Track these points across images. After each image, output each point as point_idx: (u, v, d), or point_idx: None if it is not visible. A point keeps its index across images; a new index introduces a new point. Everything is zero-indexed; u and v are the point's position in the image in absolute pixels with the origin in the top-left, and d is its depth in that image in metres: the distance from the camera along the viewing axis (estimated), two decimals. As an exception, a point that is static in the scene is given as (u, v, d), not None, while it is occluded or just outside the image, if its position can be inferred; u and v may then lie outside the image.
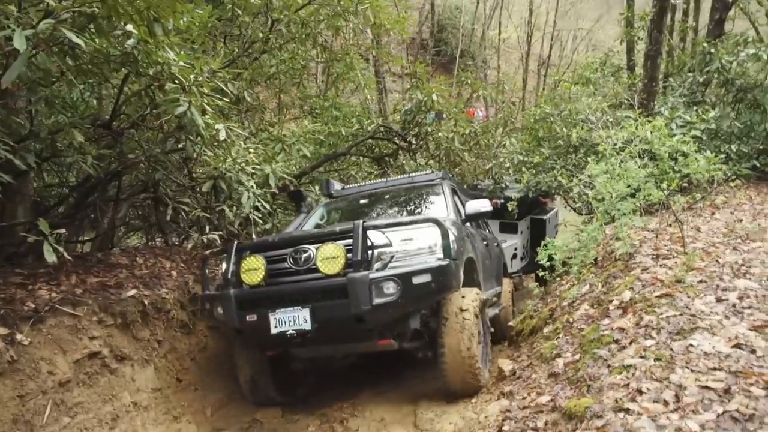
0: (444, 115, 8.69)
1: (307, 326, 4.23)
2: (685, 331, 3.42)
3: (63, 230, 3.84)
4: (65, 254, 3.80)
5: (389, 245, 4.50)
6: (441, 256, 4.44)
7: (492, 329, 5.59)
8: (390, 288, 4.18)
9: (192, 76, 4.47)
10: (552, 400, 3.17)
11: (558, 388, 3.34)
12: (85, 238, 6.39)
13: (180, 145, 5.23)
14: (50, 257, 3.55)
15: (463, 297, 4.65)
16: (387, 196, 6.44)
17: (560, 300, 5.06)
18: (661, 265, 4.63)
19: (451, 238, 4.59)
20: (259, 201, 5.34)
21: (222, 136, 4.56)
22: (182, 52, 5.78)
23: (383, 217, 5.96)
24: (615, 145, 5.08)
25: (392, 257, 4.45)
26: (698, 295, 3.93)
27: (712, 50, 8.95)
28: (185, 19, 5.11)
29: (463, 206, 6.16)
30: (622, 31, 12.80)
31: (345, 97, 13.97)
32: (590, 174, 4.96)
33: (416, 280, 4.22)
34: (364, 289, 4.13)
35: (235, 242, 4.78)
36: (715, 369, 2.94)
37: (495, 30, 23.27)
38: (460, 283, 4.73)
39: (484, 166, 9.43)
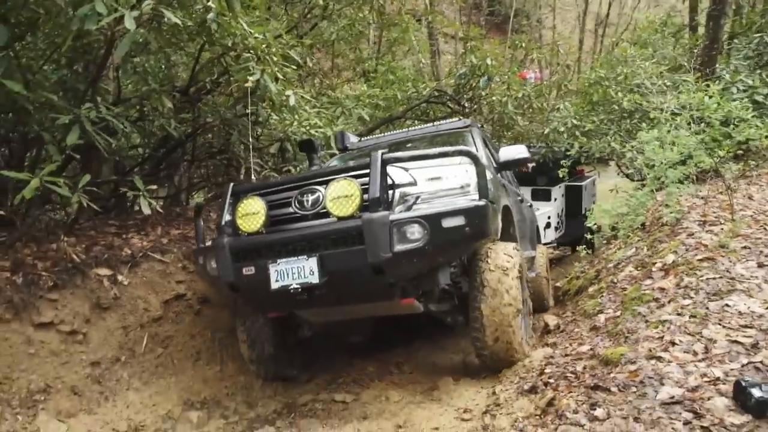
0: (496, 79, 8.77)
1: (315, 279, 3.51)
2: (723, 292, 3.64)
3: (155, 186, 4.32)
4: (158, 207, 4.30)
5: (414, 184, 3.85)
6: (476, 196, 3.74)
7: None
8: (415, 232, 3.46)
9: (264, 46, 4.84)
10: (591, 349, 3.49)
11: (598, 340, 3.64)
12: (162, 195, 6.98)
13: (249, 110, 5.66)
14: (146, 209, 4.04)
15: (503, 252, 3.98)
16: (409, 146, 5.58)
17: (606, 262, 5.30)
18: (707, 231, 4.79)
19: (489, 176, 3.94)
20: (323, 162, 5.69)
21: (292, 101, 4.93)
22: (247, 20, 6.18)
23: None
24: (667, 111, 5.17)
25: (418, 198, 3.78)
26: (740, 260, 4.11)
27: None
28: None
29: (495, 156, 5.36)
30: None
31: (398, 60, 14.13)
32: (641, 140, 5.09)
33: (447, 222, 3.50)
34: (383, 233, 3.41)
35: (231, 184, 4.10)
36: (746, 326, 3.18)
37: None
38: (498, 231, 4.06)
39: (538, 131, 9.49)
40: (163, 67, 5.81)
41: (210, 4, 4.34)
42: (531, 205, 7.24)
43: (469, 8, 21.27)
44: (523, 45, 10.48)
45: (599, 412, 2.61)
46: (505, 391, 3.30)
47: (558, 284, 6.11)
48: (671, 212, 4.89)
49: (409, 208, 3.69)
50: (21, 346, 3.51)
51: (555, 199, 9.65)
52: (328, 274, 3.53)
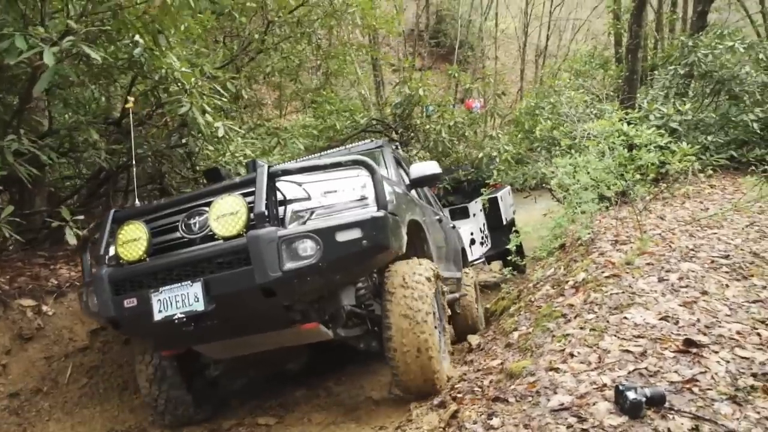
0: (431, 108, 9.13)
1: (200, 306, 3.21)
2: (623, 306, 3.93)
3: (82, 216, 4.35)
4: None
5: (308, 199, 3.57)
6: (374, 208, 3.48)
7: (451, 324, 4.94)
8: (307, 248, 3.21)
9: (193, 80, 4.97)
10: (501, 363, 3.69)
11: (509, 355, 3.86)
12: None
13: (183, 141, 5.75)
14: (72, 240, 4.07)
15: (410, 266, 3.79)
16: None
17: (528, 282, 5.57)
18: (617, 250, 5.13)
19: (388, 188, 3.68)
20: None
21: (221, 133, 5.06)
22: (183, 53, 6.30)
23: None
24: (581, 138, 5.54)
25: (312, 213, 3.50)
26: (642, 275, 4.42)
27: (690, 43, 9.35)
28: (186, 24, 5.61)
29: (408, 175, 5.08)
30: (610, 24, 13.19)
31: (345, 90, 14.46)
32: (557, 166, 5.43)
33: (342, 236, 3.25)
34: (271, 251, 3.15)
35: (113, 210, 3.81)
36: (639, 336, 3.45)
37: (493, 21, 23.58)
38: (402, 246, 3.73)
39: (474, 156, 9.87)
40: (95, 99, 5.86)
41: (137, 38, 4.47)
42: (454, 227, 7.26)
43: (414, 39, 21.98)
44: (456, 75, 10.94)
45: (495, 422, 2.80)
46: (419, 408, 3.45)
47: (488, 306, 6.34)
48: (583, 233, 5.22)
49: (303, 225, 3.42)
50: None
51: (474, 215, 9.73)
52: (216, 301, 3.24)
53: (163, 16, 4.05)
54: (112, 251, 3.61)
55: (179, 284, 3.27)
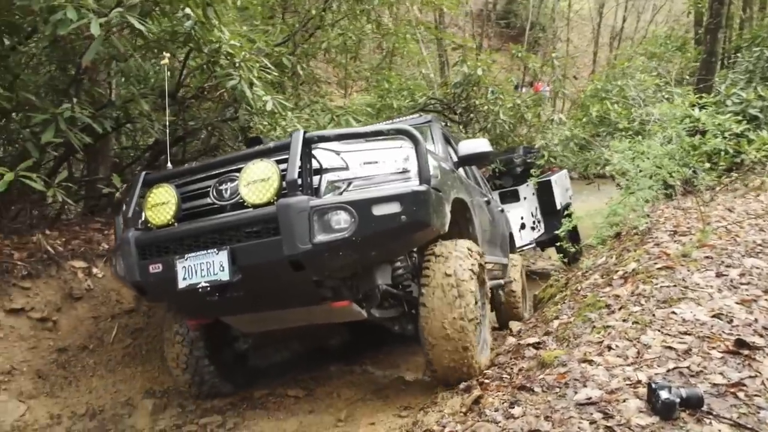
0: (492, 90, 8.86)
1: (225, 276, 3.07)
2: (673, 300, 3.68)
3: (131, 184, 4.47)
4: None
5: (345, 169, 3.33)
6: (416, 181, 3.24)
7: (494, 311, 4.66)
8: (340, 220, 3.02)
9: (243, 53, 5.02)
10: (535, 351, 3.55)
11: (545, 343, 3.70)
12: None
13: (236, 115, 5.84)
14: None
15: (452, 247, 3.55)
16: None
17: (577, 270, 5.34)
18: (675, 241, 4.81)
19: (432, 162, 3.44)
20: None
21: (269, 107, 5.09)
22: (243, 29, 6.38)
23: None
24: (645, 122, 5.22)
25: (350, 184, 3.28)
26: (699, 269, 4.13)
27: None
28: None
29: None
30: (690, 2, 12.28)
31: (409, 70, 14.31)
32: (614, 150, 5.15)
33: (379, 210, 3.04)
34: (301, 221, 2.96)
35: (144, 172, 3.72)
36: (685, 333, 3.21)
37: (567, 1, 22.57)
38: (445, 225, 3.47)
39: (535, 141, 9.55)
40: (155, 72, 6.04)
41: (188, 11, 4.54)
42: (503, 211, 6.95)
43: (483, 20, 21.41)
44: (519, 55, 10.54)
45: (516, 411, 2.68)
46: (445, 391, 3.38)
47: (536, 293, 6.13)
48: (638, 221, 4.93)
49: (338, 196, 3.20)
50: (-10, 330, 3.72)
51: (525, 198, 9.35)
52: (242, 271, 3.09)
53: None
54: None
55: (205, 252, 3.13)
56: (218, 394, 4.05)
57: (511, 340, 4.16)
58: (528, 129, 10.16)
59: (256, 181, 3.12)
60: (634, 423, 2.40)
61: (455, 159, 4.76)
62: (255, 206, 3.12)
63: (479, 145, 4.50)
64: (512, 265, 6.13)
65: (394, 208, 3.06)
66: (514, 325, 4.81)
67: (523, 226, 9.09)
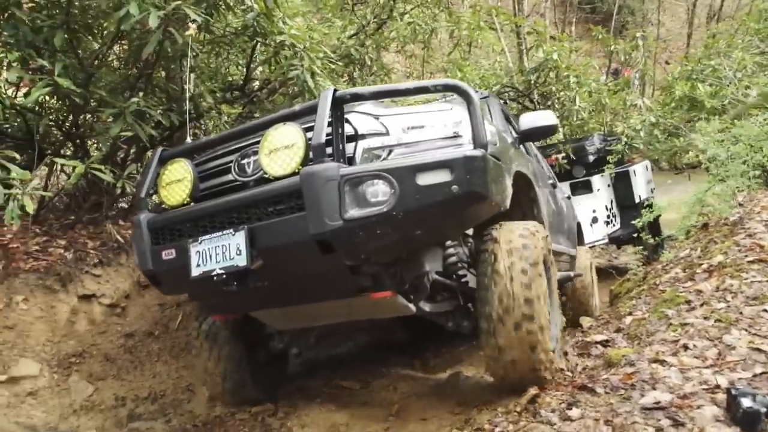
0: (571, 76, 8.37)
1: (242, 261, 2.60)
2: (765, 297, 3.28)
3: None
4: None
5: (385, 134, 2.84)
6: (470, 146, 2.69)
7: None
8: (377, 192, 2.49)
9: (305, 44, 5.02)
10: (603, 348, 3.29)
11: (615, 340, 3.42)
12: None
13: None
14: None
15: (518, 228, 2.99)
16: None
17: (656, 264, 4.94)
18: (772, 233, 4.32)
19: (490, 128, 2.94)
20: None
21: (331, 96, 5.06)
22: (314, 21, 6.41)
23: None
24: (737, 102, 4.73)
25: (390, 152, 2.80)
26: (800, 263, 3.67)
27: None
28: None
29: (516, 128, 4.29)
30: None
31: (488, 60, 13.94)
32: (700, 131, 4.70)
33: (424, 179, 2.50)
34: (329, 192, 2.45)
35: (161, 148, 3.32)
36: (777, 335, 2.84)
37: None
38: (506, 199, 2.91)
39: (616, 129, 9.00)
40: (227, 66, 6.20)
41: (250, 3, 4.59)
42: (569, 197, 6.31)
43: (565, 6, 20.51)
44: (600, 37, 9.89)
45: (574, 412, 2.46)
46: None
47: (612, 288, 5.73)
48: (729, 210, 4.46)
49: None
50: (64, 314, 3.96)
51: (598, 190, 8.43)
52: (263, 255, 2.61)
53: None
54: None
55: (220, 233, 2.67)
56: (247, 400, 3.59)
57: (578, 336, 3.88)
58: (612, 116, 9.57)
59: (279, 149, 2.64)
60: (709, 433, 2.13)
61: (513, 133, 4.24)
62: (278, 179, 2.65)
63: (543, 117, 3.93)
64: (580, 256, 5.65)
65: (443, 176, 2.50)
66: (585, 321, 4.52)
67: (595, 220, 8.28)
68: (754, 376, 2.49)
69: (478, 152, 2.59)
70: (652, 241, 5.80)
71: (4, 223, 3.46)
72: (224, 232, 2.66)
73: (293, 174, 2.59)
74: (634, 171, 8.58)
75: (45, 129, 4.70)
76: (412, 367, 4.37)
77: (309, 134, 2.63)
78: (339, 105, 2.69)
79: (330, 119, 2.62)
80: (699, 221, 4.93)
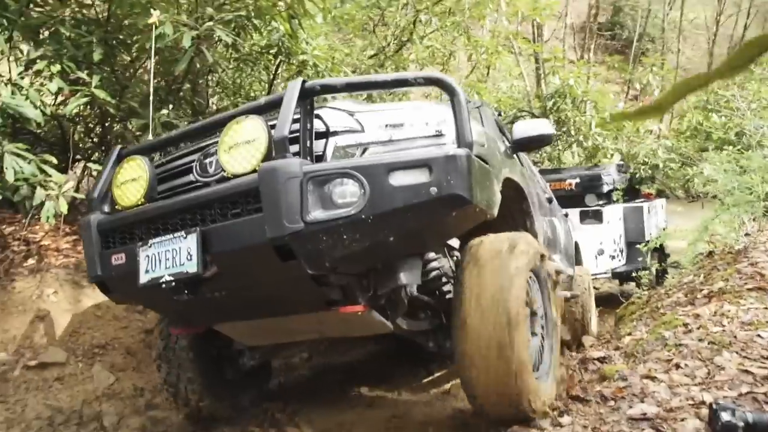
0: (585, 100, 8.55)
1: (192, 267, 2.31)
2: (760, 323, 3.39)
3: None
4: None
5: (360, 132, 2.54)
6: (454, 145, 2.34)
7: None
8: (345, 192, 2.20)
9: (329, 63, 5.28)
10: (599, 365, 3.41)
11: (612, 358, 3.54)
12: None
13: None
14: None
15: (503, 239, 2.62)
16: None
17: (660, 288, 5.05)
18: (775, 262, 4.41)
19: (477, 128, 2.62)
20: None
21: (349, 115, 5.30)
22: (335, 41, 6.67)
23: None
24: (740, 134, 4.87)
25: (365, 150, 2.49)
26: (797, 292, 3.77)
27: None
28: (333, 13, 5.97)
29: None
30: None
31: (506, 83, 14.19)
32: (707, 161, 4.83)
33: (399, 178, 2.19)
34: (290, 191, 2.15)
35: (119, 146, 3.05)
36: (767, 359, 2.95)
37: (679, 11, 21.21)
38: (492, 205, 2.51)
39: (631, 152, 9.11)
40: (249, 82, 6.48)
41: (276, 25, 4.86)
42: (566, 215, 6.16)
43: (585, 32, 20.72)
44: (616, 65, 10.07)
45: (564, 419, 2.60)
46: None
47: (617, 310, 5.83)
48: (734, 239, 4.57)
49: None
50: (90, 309, 4.20)
51: (608, 222, 8.16)
52: (217, 261, 2.32)
53: (294, 2, 4.35)
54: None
55: (171, 236, 2.39)
56: (213, 418, 3.41)
57: (578, 355, 4.01)
58: (629, 141, 9.71)
59: (239, 145, 2.34)
60: (689, 444, 2.26)
61: (506, 142, 3.87)
62: (237, 176, 2.35)
63: (538, 125, 3.67)
64: (579, 276, 5.42)
65: (420, 176, 2.19)
66: (587, 341, 4.63)
67: (601, 252, 7.95)
68: (740, 395, 2.61)
69: (462, 151, 2.26)
70: (657, 266, 5.89)
71: (39, 221, 3.70)
72: (175, 234, 2.39)
73: (254, 172, 2.28)
74: (648, 208, 8.39)
75: (78, 136, 5.01)
76: (418, 376, 4.52)
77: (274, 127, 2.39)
78: (308, 97, 2.39)
79: (298, 113, 2.34)
80: (706, 249, 5.04)
